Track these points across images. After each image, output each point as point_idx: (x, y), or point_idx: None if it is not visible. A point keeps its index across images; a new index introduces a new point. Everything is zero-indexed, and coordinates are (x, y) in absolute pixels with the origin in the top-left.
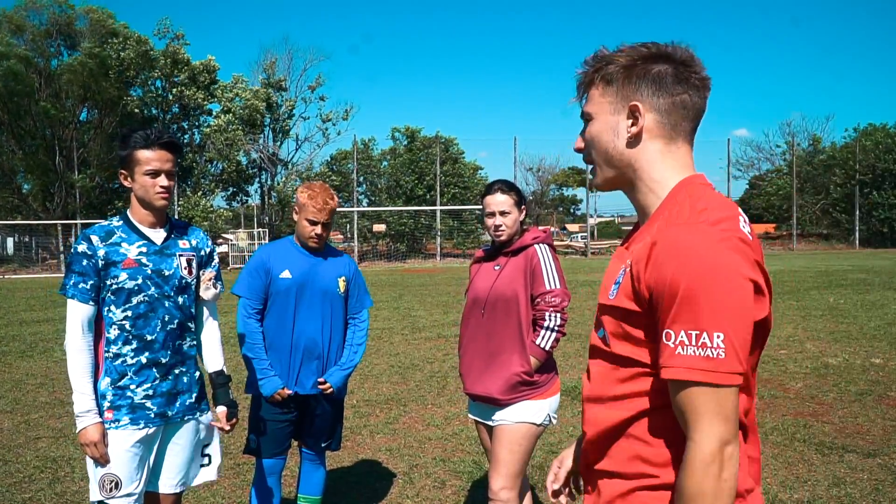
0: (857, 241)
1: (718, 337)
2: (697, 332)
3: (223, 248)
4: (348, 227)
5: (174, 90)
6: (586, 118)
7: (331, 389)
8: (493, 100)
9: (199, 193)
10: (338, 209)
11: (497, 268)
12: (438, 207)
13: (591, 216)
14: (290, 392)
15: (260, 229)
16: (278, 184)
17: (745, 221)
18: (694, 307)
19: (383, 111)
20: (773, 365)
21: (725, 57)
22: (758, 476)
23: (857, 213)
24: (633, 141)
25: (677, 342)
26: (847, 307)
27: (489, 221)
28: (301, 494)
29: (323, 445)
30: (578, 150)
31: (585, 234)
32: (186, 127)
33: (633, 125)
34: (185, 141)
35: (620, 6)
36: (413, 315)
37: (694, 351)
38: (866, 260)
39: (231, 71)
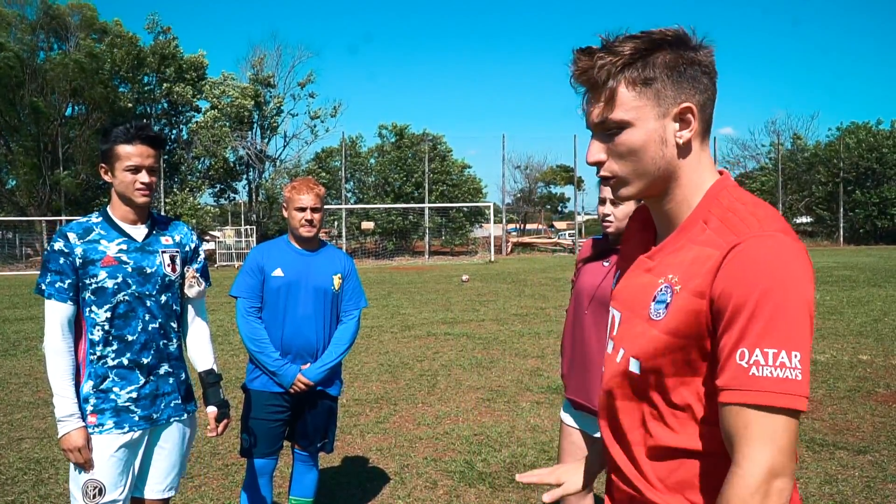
0: (842, 239)
1: (796, 357)
2: (775, 351)
3: (210, 246)
4: (336, 224)
5: (163, 85)
6: (617, 126)
7: (304, 387)
8: (481, 97)
9: (186, 190)
10: (326, 207)
11: (606, 264)
12: (427, 205)
13: (579, 214)
14: (311, 382)
15: (247, 226)
16: (266, 181)
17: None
18: (775, 323)
19: (370, 108)
20: None
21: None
22: None
23: (842, 210)
24: (685, 148)
25: (751, 361)
26: (833, 304)
27: (601, 209)
28: (293, 496)
29: (318, 446)
30: (597, 164)
31: (573, 231)
32: (174, 123)
33: (682, 130)
34: (173, 137)
35: (604, 3)
36: (402, 313)
37: (771, 372)
38: (851, 257)
39: (219, 67)
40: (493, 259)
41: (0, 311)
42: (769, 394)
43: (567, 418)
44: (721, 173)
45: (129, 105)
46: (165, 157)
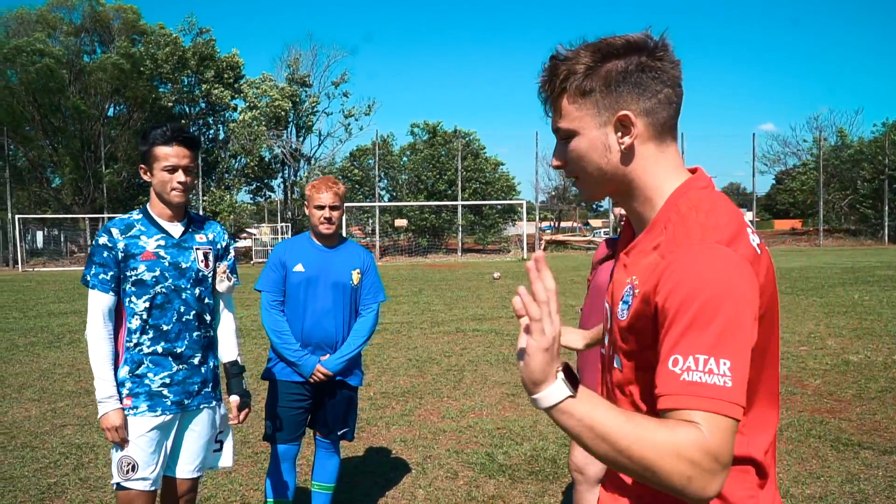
0: (886, 237)
1: (725, 364)
2: (705, 358)
3: (248, 243)
4: (370, 221)
5: (202, 86)
6: (565, 135)
7: (323, 377)
8: (514, 94)
9: (223, 188)
10: (360, 204)
11: None
12: (459, 203)
13: (614, 211)
14: (329, 372)
15: (283, 224)
16: (301, 179)
17: (752, 231)
18: (704, 331)
19: (402, 107)
20: (793, 361)
21: (753, 51)
22: None
23: (886, 208)
24: (628, 152)
25: (683, 367)
26: (872, 304)
27: (617, 211)
28: (315, 482)
29: (338, 434)
30: (558, 168)
31: (608, 229)
32: (212, 122)
33: (624, 136)
34: (211, 136)
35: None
36: (432, 309)
37: (700, 377)
38: (895, 256)
39: (255, 66)
40: (525, 257)
41: (45, 304)
42: (697, 398)
43: None
44: (694, 171)
45: (170, 104)
46: (203, 155)
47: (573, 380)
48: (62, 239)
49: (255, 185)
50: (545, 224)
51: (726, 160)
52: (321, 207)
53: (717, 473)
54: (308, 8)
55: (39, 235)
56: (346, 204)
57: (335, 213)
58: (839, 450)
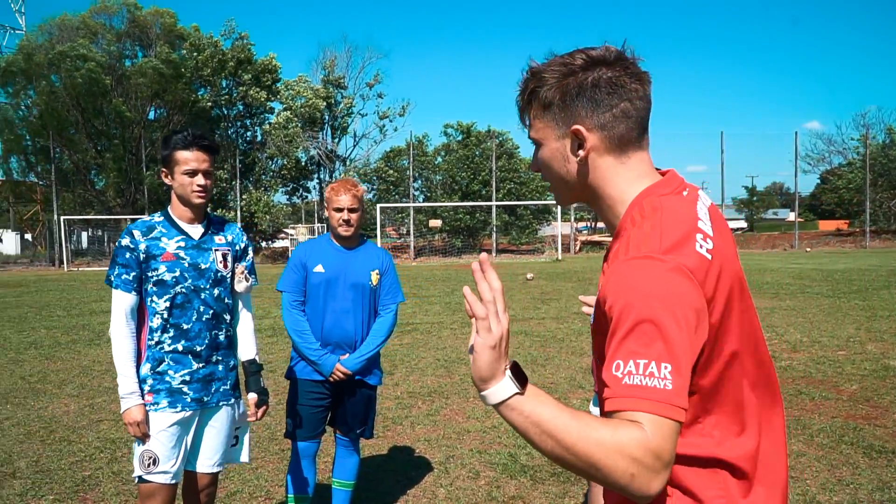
0: None
1: (666, 368)
2: (646, 362)
3: (285, 243)
4: (405, 222)
5: (239, 89)
6: (535, 144)
7: (342, 376)
8: None
9: (260, 189)
10: (395, 205)
11: None
12: (494, 203)
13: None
14: (349, 371)
15: (319, 224)
16: (336, 180)
17: (704, 237)
18: (643, 337)
19: (436, 108)
20: (829, 366)
21: (800, 49)
22: None
23: None
24: (584, 164)
25: (625, 371)
26: None
27: None
28: (335, 479)
29: (357, 432)
30: (536, 172)
31: None
32: (249, 125)
33: (579, 149)
34: (248, 138)
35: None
36: (463, 310)
37: (641, 380)
38: None
39: (290, 68)
40: (560, 258)
41: (88, 303)
42: (639, 399)
43: (595, 411)
44: (663, 174)
45: (208, 106)
46: (241, 157)
47: (521, 377)
48: (105, 239)
49: (291, 187)
50: (582, 224)
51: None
52: (340, 210)
53: (660, 471)
54: (343, 10)
55: (84, 236)
56: (380, 204)
57: (353, 216)
58: (872, 457)
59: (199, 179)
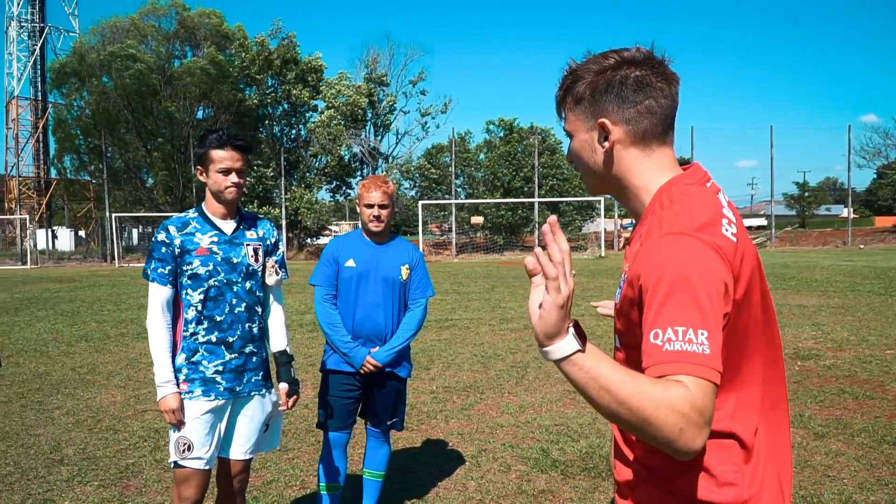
0: None
1: (703, 334)
2: (683, 329)
3: (328, 240)
4: (447, 219)
5: (284, 88)
6: (568, 136)
7: (373, 368)
8: None
9: (304, 187)
10: (437, 202)
11: None
12: (536, 199)
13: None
14: (379, 364)
15: None
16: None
17: (729, 223)
18: (679, 306)
19: (478, 105)
20: (876, 365)
21: (854, 40)
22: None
23: None
24: (609, 155)
25: (664, 339)
26: None
27: None
28: (366, 469)
29: (388, 424)
30: (570, 163)
31: None
32: (294, 123)
33: (604, 140)
34: (292, 137)
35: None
36: (502, 307)
37: (681, 346)
38: None
39: (334, 66)
40: (603, 254)
41: (137, 298)
42: (681, 363)
43: None
44: (688, 168)
45: (254, 105)
46: (285, 155)
47: (582, 336)
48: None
49: (334, 184)
50: (627, 221)
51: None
52: (370, 206)
53: (703, 428)
54: (387, 8)
55: (135, 233)
56: (422, 201)
57: (384, 212)
58: None
59: (233, 177)
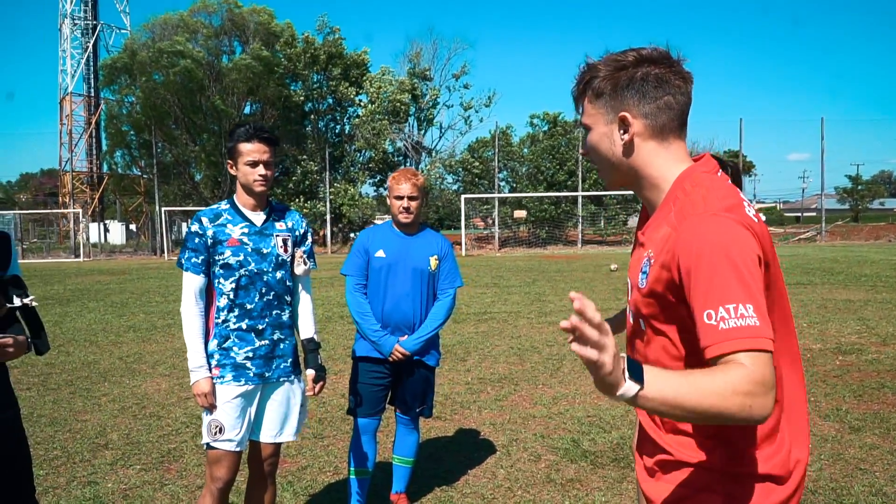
0: None
1: (750, 308)
2: (734, 305)
3: None
4: (491, 213)
5: (329, 83)
6: (585, 129)
7: (401, 356)
8: None
9: (347, 181)
10: (480, 196)
11: None
12: (580, 193)
13: (751, 203)
14: (407, 352)
15: None
16: (422, 171)
17: (748, 205)
18: (725, 285)
19: (521, 99)
20: None
21: None
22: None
23: None
24: (629, 146)
25: (718, 318)
26: None
27: None
28: (396, 455)
29: (416, 411)
30: (584, 156)
31: None
32: (338, 118)
33: (624, 133)
34: (337, 132)
35: None
36: (542, 300)
37: (736, 322)
38: None
39: (378, 60)
40: None
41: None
42: (738, 340)
43: None
44: (698, 160)
45: (300, 100)
46: (330, 150)
47: (637, 370)
48: None
49: (378, 178)
50: None
51: (877, 146)
52: (400, 198)
53: (768, 393)
54: (430, 2)
55: (184, 227)
56: (465, 195)
57: (413, 203)
58: None
59: (260, 169)
